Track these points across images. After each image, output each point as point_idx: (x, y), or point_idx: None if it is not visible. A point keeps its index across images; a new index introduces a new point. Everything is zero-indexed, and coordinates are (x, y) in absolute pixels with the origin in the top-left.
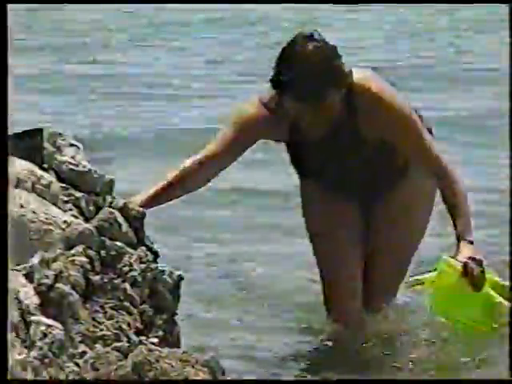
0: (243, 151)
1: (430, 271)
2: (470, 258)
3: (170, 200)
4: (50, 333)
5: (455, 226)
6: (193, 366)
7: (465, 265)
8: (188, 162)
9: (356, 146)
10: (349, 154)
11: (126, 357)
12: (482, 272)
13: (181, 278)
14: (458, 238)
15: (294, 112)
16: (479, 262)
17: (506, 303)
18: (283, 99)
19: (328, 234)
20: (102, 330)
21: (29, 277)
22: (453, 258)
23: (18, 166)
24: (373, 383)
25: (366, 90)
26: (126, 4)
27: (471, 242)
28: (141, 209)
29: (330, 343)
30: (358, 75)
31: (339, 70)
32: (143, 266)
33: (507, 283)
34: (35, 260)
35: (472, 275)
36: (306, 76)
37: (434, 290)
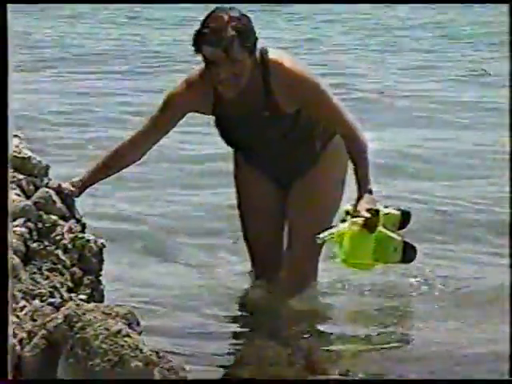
0: (172, 126)
1: (343, 220)
2: (368, 209)
3: (106, 178)
4: None
5: (356, 175)
6: (113, 318)
7: (365, 218)
8: (120, 143)
9: (274, 118)
10: (267, 128)
11: (58, 310)
12: (376, 216)
13: (103, 245)
14: (359, 186)
15: (211, 67)
16: (375, 211)
17: (395, 235)
18: (202, 51)
19: (251, 205)
20: (39, 288)
21: None
22: (355, 208)
23: None
24: (373, 383)
25: (279, 64)
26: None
27: (370, 191)
28: (72, 188)
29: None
30: (272, 54)
31: (249, 31)
32: (73, 235)
33: (396, 212)
34: None
35: (369, 223)
36: (220, 27)
37: (341, 242)
